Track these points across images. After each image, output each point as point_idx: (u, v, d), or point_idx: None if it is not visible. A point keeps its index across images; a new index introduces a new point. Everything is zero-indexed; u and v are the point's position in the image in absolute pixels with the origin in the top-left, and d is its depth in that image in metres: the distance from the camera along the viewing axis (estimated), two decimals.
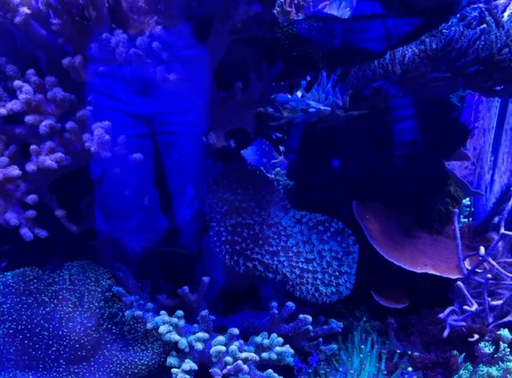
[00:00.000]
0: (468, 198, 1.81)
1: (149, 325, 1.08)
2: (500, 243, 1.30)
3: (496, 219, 1.41)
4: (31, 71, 0.96)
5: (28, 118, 0.94)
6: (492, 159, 2.14)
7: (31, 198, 0.96)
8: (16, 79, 0.96)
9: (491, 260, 1.17)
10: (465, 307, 1.14)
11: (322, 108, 1.27)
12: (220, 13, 0.91)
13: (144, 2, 0.96)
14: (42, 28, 0.95)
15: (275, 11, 1.54)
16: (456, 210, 1.28)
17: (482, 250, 1.18)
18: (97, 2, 0.91)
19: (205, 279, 1.16)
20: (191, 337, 1.08)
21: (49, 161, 0.93)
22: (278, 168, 1.96)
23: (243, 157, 1.47)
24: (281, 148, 1.59)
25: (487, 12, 1.31)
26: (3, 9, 0.91)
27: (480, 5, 1.30)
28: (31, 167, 0.95)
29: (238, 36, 0.95)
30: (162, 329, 1.06)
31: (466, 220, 1.75)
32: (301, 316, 1.13)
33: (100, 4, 0.91)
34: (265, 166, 2.22)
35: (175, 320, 1.09)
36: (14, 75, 0.97)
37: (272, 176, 1.88)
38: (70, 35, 0.94)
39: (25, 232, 0.96)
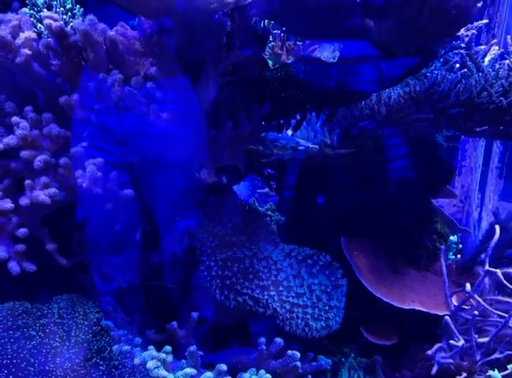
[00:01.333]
0: (456, 235, 1.83)
1: (136, 360, 1.07)
2: (487, 280, 1.31)
3: (483, 256, 1.43)
4: (28, 108, 0.99)
5: (24, 153, 0.97)
6: (480, 197, 2.19)
7: (22, 231, 0.97)
8: (14, 115, 1.00)
9: (476, 296, 1.18)
10: (452, 342, 1.14)
11: (311, 146, 1.31)
12: (212, 57, 0.96)
13: (140, 45, 1.02)
14: (41, 68, 0.99)
15: (267, 53, 1.61)
16: (442, 247, 1.30)
17: (468, 286, 1.20)
18: (95, 45, 0.95)
19: (195, 314, 1.16)
20: (179, 373, 1.06)
21: (43, 195, 0.95)
22: (270, 203, 1.98)
23: (234, 191, 1.50)
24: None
25: (468, 58, 1.38)
26: (5, 49, 0.95)
27: (461, 51, 1.37)
28: (24, 201, 0.97)
29: (229, 79, 1.00)
30: (150, 364, 1.05)
31: (454, 256, 1.77)
32: (289, 352, 1.12)
33: (98, 46, 0.96)
34: (258, 200, 2.24)
35: (163, 355, 1.08)
36: (12, 111, 1.01)
37: (264, 209, 1.90)
38: (68, 75, 0.99)
39: (12, 266, 0.97)
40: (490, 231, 1.40)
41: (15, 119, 0.97)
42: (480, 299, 1.18)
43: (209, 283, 1.15)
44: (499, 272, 1.14)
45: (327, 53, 1.51)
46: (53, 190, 0.98)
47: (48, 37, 0.97)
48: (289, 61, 1.53)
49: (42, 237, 1.07)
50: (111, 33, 0.98)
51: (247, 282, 1.16)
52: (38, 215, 1.04)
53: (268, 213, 1.87)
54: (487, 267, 1.17)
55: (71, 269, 1.14)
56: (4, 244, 0.99)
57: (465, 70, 1.34)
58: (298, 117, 1.32)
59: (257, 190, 2.18)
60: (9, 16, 0.99)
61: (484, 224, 2.15)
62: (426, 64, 1.09)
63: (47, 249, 1.07)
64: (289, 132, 1.49)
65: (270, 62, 1.57)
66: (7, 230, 0.99)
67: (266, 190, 2.10)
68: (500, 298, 1.23)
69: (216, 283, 1.15)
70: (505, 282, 1.16)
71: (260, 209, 1.86)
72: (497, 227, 1.20)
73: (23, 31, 0.96)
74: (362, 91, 1.20)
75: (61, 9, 1.07)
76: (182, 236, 1.29)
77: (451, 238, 1.76)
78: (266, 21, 1.22)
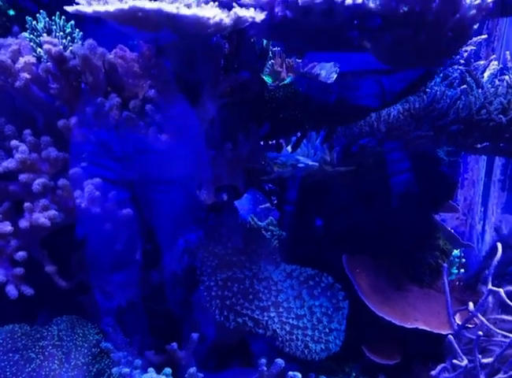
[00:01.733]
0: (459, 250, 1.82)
1: None
2: (490, 299, 1.29)
3: (487, 272, 1.41)
4: (27, 131, 1.00)
5: (22, 176, 0.97)
6: (482, 210, 2.18)
7: (20, 255, 0.97)
8: (13, 138, 1.00)
9: (480, 316, 1.16)
10: (455, 361, 1.12)
11: (310, 163, 1.31)
12: (209, 80, 0.96)
13: (138, 67, 1.02)
14: (40, 91, 1.00)
15: (266, 70, 1.62)
16: (445, 265, 1.29)
17: (471, 305, 1.18)
18: (94, 69, 0.96)
19: (195, 335, 1.15)
20: None
21: (42, 218, 0.95)
22: (271, 218, 1.97)
23: (235, 208, 1.49)
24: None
25: (467, 73, 1.38)
26: (5, 73, 0.96)
27: (460, 67, 1.37)
28: (24, 224, 0.97)
29: (227, 100, 1.00)
30: None
31: (457, 271, 1.75)
32: (290, 373, 1.11)
33: (97, 70, 0.96)
34: (259, 215, 2.23)
35: (163, 377, 1.07)
36: (12, 134, 1.01)
37: (265, 224, 1.89)
38: (67, 98, 0.99)
39: (10, 290, 0.97)
40: (494, 247, 1.39)
41: (14, 142, 0.98)
42: (483, 319, 1.16)
43: (208, 304, 1.14)
44: (501, 291, 1.12)
45: (326, 69, 1.51)
46: (52, 212, 0.98)
47: (47, 61, 0.98)
48: (288, 79, 1.53)
49: (41, 259, 1.07)
50: (110, 56, 0.98)
51: (247, 303, 1.15)
52: (38, 237, 1.04)
53: (270, 228, 1.86)
54: (490, 286, 1.15)
55: (70, 290, 1.14)
56: (2, 267, 0.98)
57: (465, 86, 1.34)
58: (299, 134, 1.32)
59: (259, 206, 2.18)
60: (9, 40, 1.00)
61: (488, 237, 2.13)
62: (425, 83, 1.09)
63: (46, 271, 1.07)
64: (289, 149, 1.49)
65: (269, 79, 1.58)
66: (6, 253, 0.99)
67: (268, 204, 2.10)
68: (504, 317, 1.21)
69: (215, 303, 1.14)
70: (508, 302, 1.14)
71: (260, 223, 1.85)
72: (499, 246, 1.18)
73: (22, 56, 0.97)
74: (361, 109, 1.20)
75: (61, 33, 1.08)
76: (182, 254, 1.28)
77: (454, 252, 1.75)
78: (265, 41, 1.22)
